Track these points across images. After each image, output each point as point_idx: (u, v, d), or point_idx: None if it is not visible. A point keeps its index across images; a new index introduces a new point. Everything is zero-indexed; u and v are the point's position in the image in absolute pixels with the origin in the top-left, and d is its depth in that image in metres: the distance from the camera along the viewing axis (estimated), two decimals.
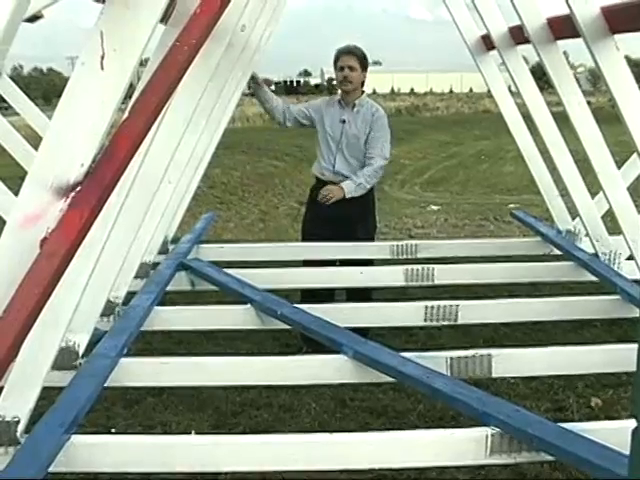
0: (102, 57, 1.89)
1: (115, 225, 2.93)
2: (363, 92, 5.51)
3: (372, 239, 5.64)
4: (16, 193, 5.00)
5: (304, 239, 5.68)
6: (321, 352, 3.75)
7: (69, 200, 1.88)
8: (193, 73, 2.32)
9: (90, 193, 1.88)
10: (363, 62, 5.42)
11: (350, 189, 5.32)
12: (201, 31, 2.09)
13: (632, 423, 2.95)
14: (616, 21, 3.19)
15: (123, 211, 2.97)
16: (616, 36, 3.31)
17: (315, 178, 5.59)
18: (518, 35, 4.69)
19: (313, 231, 5.52)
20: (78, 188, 1.88)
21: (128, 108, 2.04)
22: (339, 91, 5.59)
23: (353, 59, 5.36)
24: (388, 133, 5.48)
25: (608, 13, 3.20)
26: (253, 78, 5.68)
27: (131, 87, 2.07)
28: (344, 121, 5.38)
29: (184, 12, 2.52)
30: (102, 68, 1.90)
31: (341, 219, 5.33)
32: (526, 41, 4.45)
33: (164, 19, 2.45)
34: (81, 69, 1.92)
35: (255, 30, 5.14)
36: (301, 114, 5.59)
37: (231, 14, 3.59)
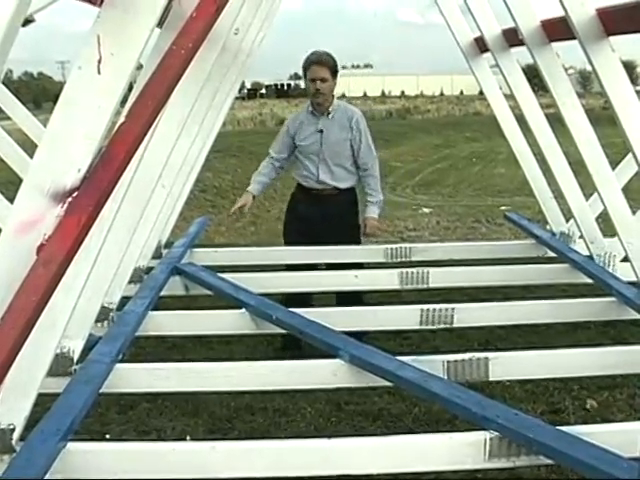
0: (99, 61, 1.87)
1: (110, 230, 2.91)
2: (333, 96, 5.40)
3: (358, 240, 5.60)
4: (8, 197, 5.01)
5: (287, 243, 5.65)
6: (316, 356, 3.74)
7: (66, 206, 1.86)
8: (187, 77, 2.30)
9: (87, 198, 1.86)
10: (334, 70, 5.30)
11: (377, 211, 5.47)
12: (197, 35, 2.07)
13: (630, 426, 2.95)
14: (611, 23, 3.18)
15: (118, 216, 2.95)
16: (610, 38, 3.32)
17: (297, 183, 5.55)
18: (512, 37, 4.69)
19: (296, 235, 5.47)
20: (75, 193, 1.86)
21: (124, 112, 2.02)
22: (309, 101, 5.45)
23: (324, 69, 5.22)
24: (369, 133, 5.44)
25: (604, 15, 3.19)
26: (240, 209, 5.57)
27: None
28: (321, 131, 5.31)
29: (180, 16, 2.51)
30: (99, 72, 1.88)
31: (324, 220, 5.30)
32: (520, 43, 4.45)
33: (159, 23, 2.43)
34: (78, 73, 1.90)
35: (248, 33, 5.13)
36: (284, 150, 5.49)
37: (225, 17, 3.57)
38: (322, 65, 5.24)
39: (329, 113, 5.32)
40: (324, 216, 5.30)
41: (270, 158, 5.58)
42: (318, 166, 5.33)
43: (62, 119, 1.94)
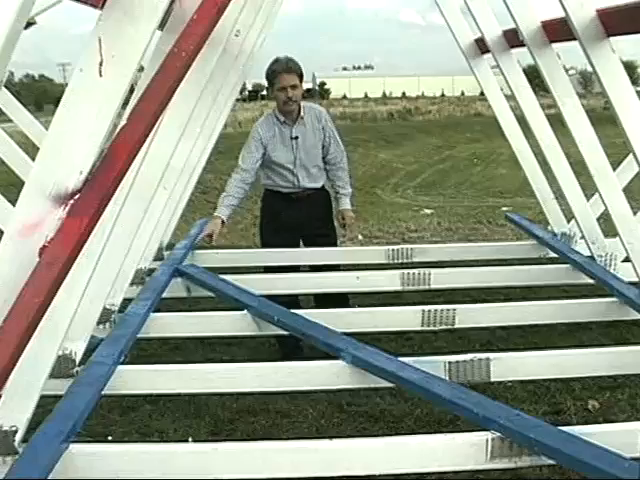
0: (100, 63, 1.88)
1: (112, 232, 2.91)
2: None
3: (335, 242, 5.58)
4: (9, 200, 5.02)
5: (265, 245, 5.59)
6: (318, 357, 3.74)
7: (68, 208, 1.86)
8: (188, 79, 2.30)
9: (89, 200, 1.86)
10: (301, 75, 5.17)
11: (349, 202, 5.44)
12: (198, 37, 2.07)
13: (632, 426, 2.94)
14: (612, 24, 3.19)
15: (119, 218, 2.96)
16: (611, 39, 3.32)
17: (269, 190, 5.43)
18: (512, 38, 4.70)
19: (280, 239, 5.39)
20: (77, 196, 1.87)
21: (126, 114, 2.03)
22: (275, 110, 5.29)
23: (292, 76, 5.07)
24: (334, 126, 5.40)
25: (604, 16, 3.20)
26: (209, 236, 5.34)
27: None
28: (297, 137, 5.20)
29: (181, 18, 2.51)
30: (100, 74, 1.89)
31: (306, 221, 5.30)
32: (520, 44, 4.46)
33: (161, 25, 2.43)
34: (79, 75, 1.91)
35: (249, 36, 5.13)
36: (258, 160, 5.24)
37: (226, 20, 3.58)
38: (290, 72, 5.09)
39: (302, 118, 5.22)
40: (305, 217, 5.28)
41: (242, 172, 5.28)
42: (297, 173, 5.25)
43: (64, 121, 1.95)
